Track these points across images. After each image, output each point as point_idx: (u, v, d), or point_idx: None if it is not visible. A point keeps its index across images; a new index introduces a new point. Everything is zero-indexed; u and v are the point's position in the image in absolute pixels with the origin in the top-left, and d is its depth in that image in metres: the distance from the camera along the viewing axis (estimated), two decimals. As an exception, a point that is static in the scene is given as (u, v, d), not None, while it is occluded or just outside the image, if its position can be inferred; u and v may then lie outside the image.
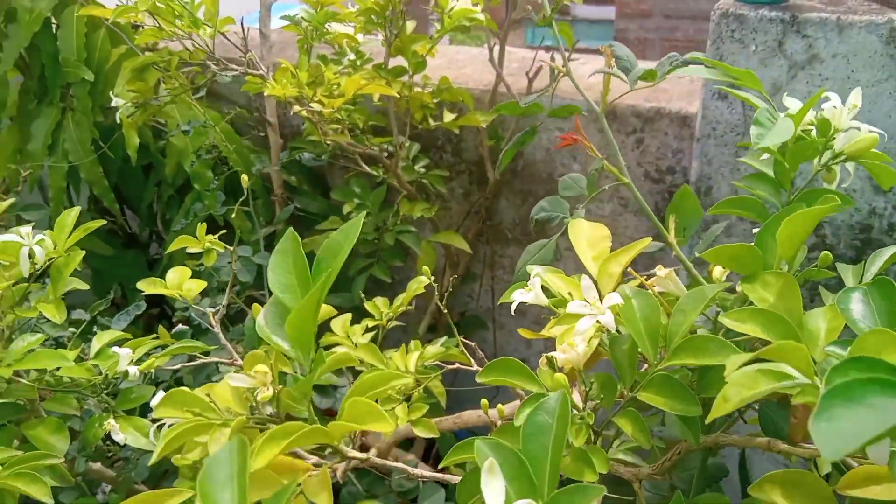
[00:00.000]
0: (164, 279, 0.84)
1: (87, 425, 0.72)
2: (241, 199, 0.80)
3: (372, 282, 1.23)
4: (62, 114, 1.24)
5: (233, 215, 0.82)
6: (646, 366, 0.53)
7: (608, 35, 3.69)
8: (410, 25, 1.15)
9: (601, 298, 0.49)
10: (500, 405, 0.75)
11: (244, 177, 0.80)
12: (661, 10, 3.73)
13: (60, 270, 0.73)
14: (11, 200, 0.79)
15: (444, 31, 1.10)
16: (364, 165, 1.20)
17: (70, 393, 0.72)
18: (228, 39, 1.03)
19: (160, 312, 1.37)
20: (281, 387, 0.49)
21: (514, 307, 0.55)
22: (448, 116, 1.23)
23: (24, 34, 1.18)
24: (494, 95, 1.25)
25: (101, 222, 0.75)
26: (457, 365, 0.73)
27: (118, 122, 1.12)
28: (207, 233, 0.87)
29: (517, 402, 0.80)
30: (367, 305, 0.86)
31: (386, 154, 1.19)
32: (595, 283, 0.52)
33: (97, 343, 0.76)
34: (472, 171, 1.34)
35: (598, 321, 0.47)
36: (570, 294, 0.52)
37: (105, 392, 0.73)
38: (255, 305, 0.70)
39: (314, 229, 1.26)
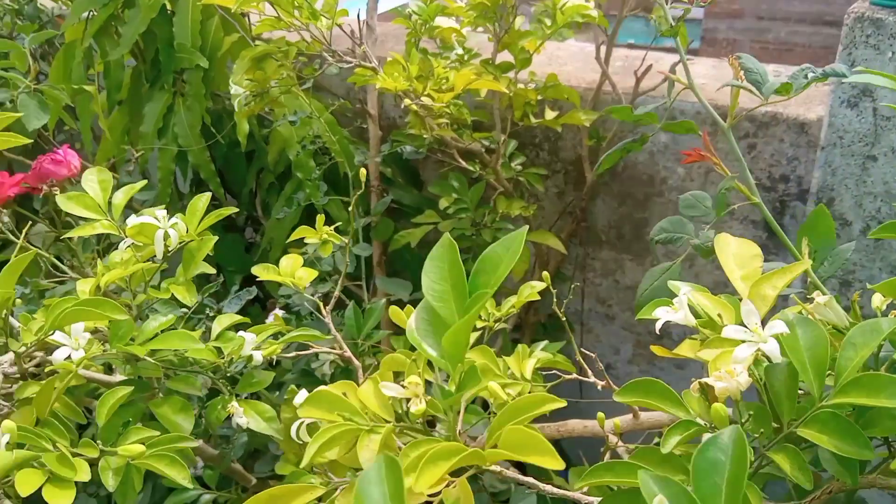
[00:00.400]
0: (264, 264, 0.85)
1: (210, 407, 0.74)
2: (358, 193, 0.81)
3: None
4: (173, 98, 1.28)
5: (350, 208, 0.83)
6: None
7: (695, 34, 3.57)
8: (519, 20, 1.13)
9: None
10: (616, 419, 0.74)
11: (362, 170, 0.81)
12: (753, 11, 3.58)
13: (193, 254, 0.75)
14: (144, 182, 0.82)
15: (556, 26, 1.07)
16: (461, 160, 1.19)
17: (193, 374, 0.75)
18: (343, 30, 1.04)
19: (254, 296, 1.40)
20: (429, 397, 0.49)
21: (658, 326, 0.53)
22: (549, 114, 1.21)
23: (142, 20, 1.22)
24: (598, 94, 1.22)
25: (233, 209, 0.77)
26: (574, 375, 0.71)
27: (228, 108, 1.15)
28: (303, 222, 0.88)
29: (629, 417, 0.78)
30: (476, 305, 0.85)
31: (485, 150, 1.18)
32: (744, 305, 0.50)
33: (218, 326, 0.78)
34: (567, 171, 1.31)
35: (759, 349, 0.45)
36: (719, 316, 0.50)
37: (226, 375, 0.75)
38: (394, 308, 0.70)
39: (408, 221, 1.27)
